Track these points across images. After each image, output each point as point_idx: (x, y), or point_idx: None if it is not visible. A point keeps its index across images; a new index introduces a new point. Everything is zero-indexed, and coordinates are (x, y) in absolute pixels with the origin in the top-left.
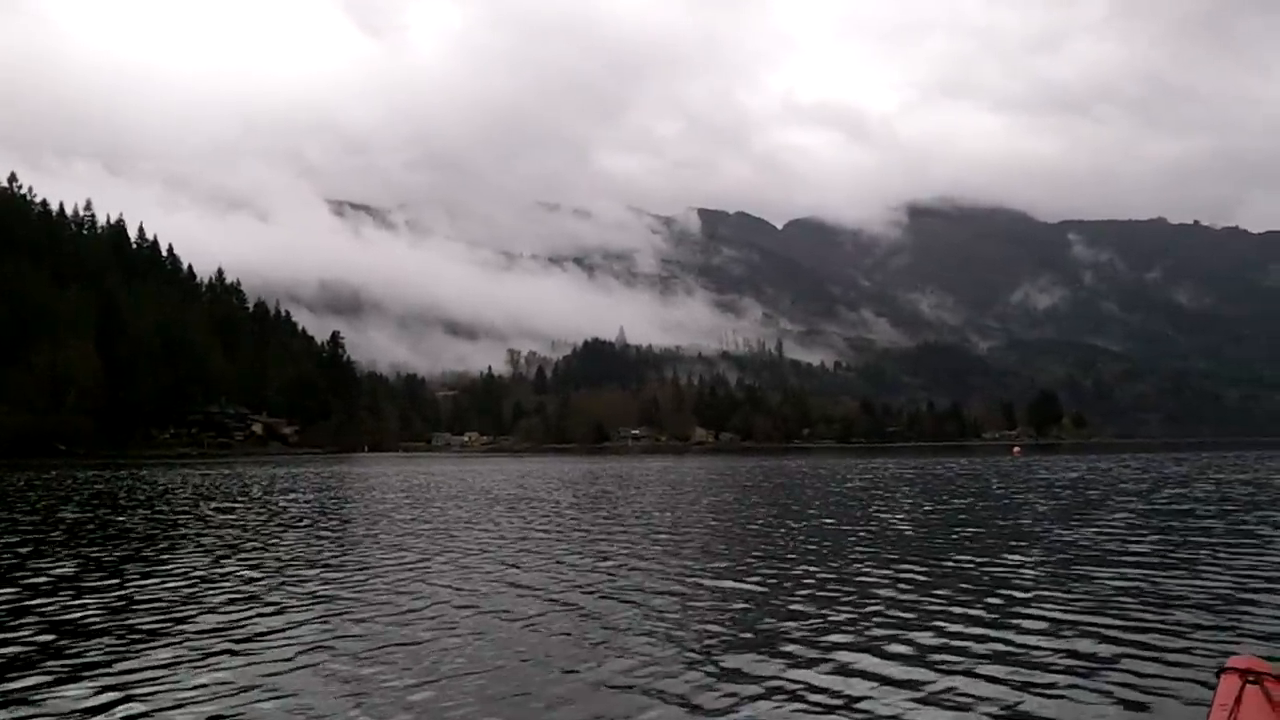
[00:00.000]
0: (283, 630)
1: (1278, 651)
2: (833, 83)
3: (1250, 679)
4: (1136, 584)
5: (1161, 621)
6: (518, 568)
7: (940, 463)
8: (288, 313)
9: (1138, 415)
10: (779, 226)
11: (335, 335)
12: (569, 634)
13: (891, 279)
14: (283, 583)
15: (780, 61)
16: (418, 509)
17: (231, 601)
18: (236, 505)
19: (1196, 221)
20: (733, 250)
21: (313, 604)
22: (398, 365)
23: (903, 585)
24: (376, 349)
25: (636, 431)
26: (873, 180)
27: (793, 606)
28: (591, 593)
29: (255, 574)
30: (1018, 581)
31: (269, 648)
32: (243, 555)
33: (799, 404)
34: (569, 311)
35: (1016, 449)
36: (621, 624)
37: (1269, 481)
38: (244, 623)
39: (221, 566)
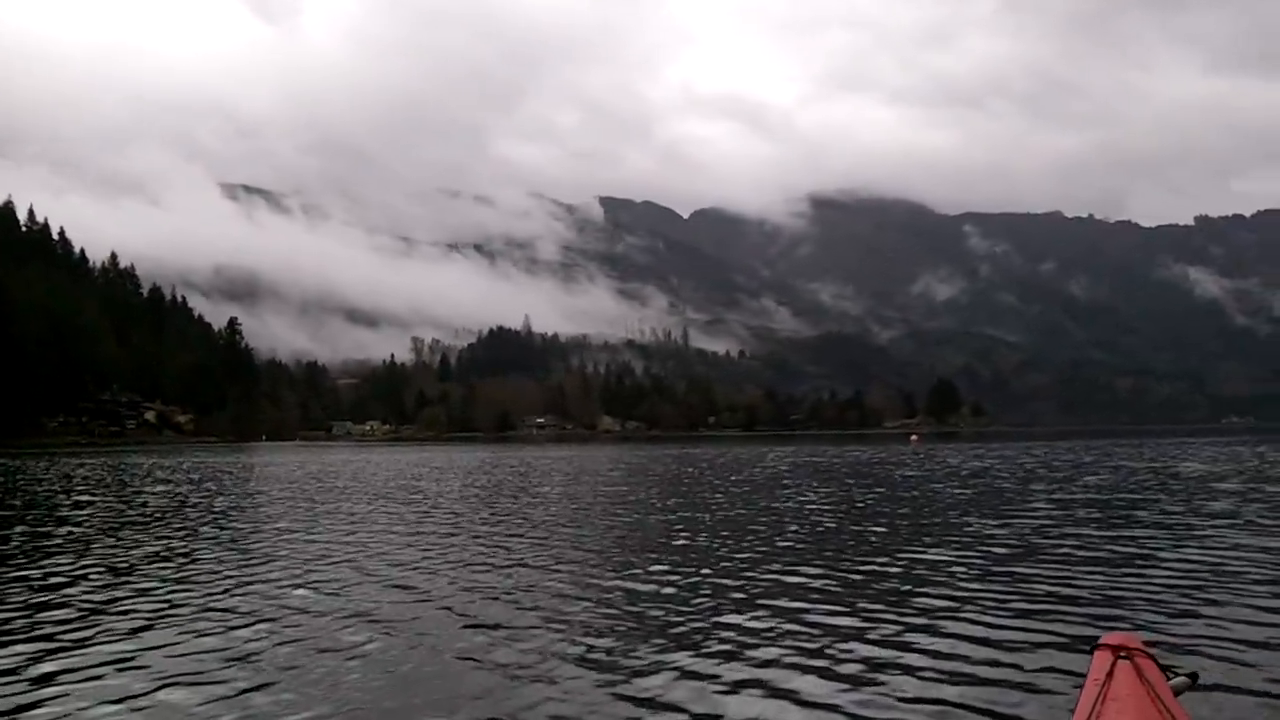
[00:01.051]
0: (69, 649)
1: (1151, 627)
2: (731, 74)
3: (1122, 654)
4: (1026, 568)
5: (1047, 602)
6: (393, 569)
7: (843, 451)
8: (184, 298)
9: (1033, 404)
10: (685, 216)
11: (233, 322)
12: (447, 647)
13: (795, 269)
14: (85, 591)
15: (678, 52)
16: (297, 502)
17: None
18: (95, 499)
19: (1091, 215)
20: (637, 239)
21: (119, 615)
22: (298, 353)
23: (800, 578)
24: (275, 336)
25: (542, 420)
26: (775, 171)
27: (699, 605)
28: (477, 596)
29: (61, 580)
30: (913, 565)
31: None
32: (59, 559)
33: (704, 392)
34: (471, 299)
35: (914, 437)
36: (508, 631)
37: (1175, 469)
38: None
39: (23, 572)
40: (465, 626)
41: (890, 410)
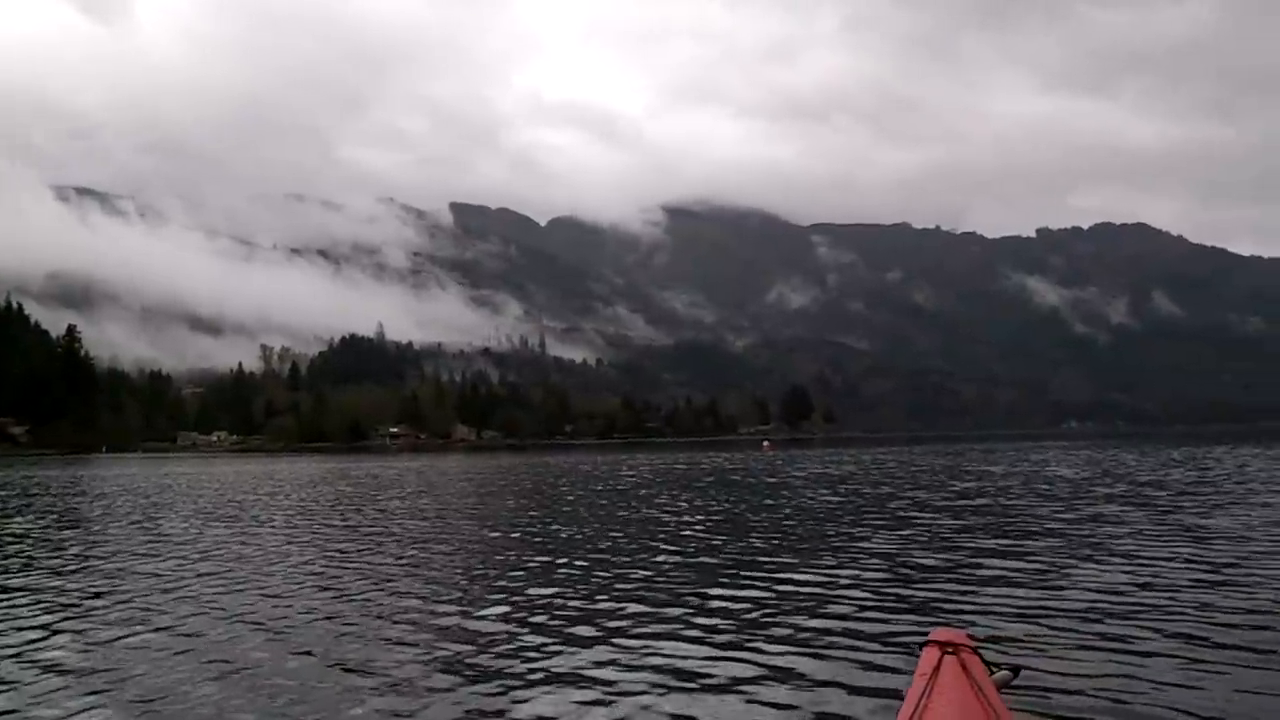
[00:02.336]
0: None
1: (981, 625)
2: (581, 83)
3: (949, 650)
4: (874, 570)
5: (883, 602)
6: (203, 604)
7: (708, 457)
8: (19, 305)
9: (882, 410)
10: (542, 224)
11: (71, 330)
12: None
13: (651, 277)
14: None
15: (527, 61)
16: (106, 522)
17: None
18: None
19: (938, 227)
20: (491, 246)
21: None
22: (141, 361)
23: (661, 595)
24: (115, 344)
25: (395, 430)
26: (629, 180)
27: (543, 639)
28: (275, 637)
29: None
30: (770, 570)
31: None
32: None
33: (561, 400)
34: (318, 306)
35: (767, 444)
36: (295, 684)
37: (1039, 473)
38: None
39: None
40: (249, 681)
41: (745, 417)
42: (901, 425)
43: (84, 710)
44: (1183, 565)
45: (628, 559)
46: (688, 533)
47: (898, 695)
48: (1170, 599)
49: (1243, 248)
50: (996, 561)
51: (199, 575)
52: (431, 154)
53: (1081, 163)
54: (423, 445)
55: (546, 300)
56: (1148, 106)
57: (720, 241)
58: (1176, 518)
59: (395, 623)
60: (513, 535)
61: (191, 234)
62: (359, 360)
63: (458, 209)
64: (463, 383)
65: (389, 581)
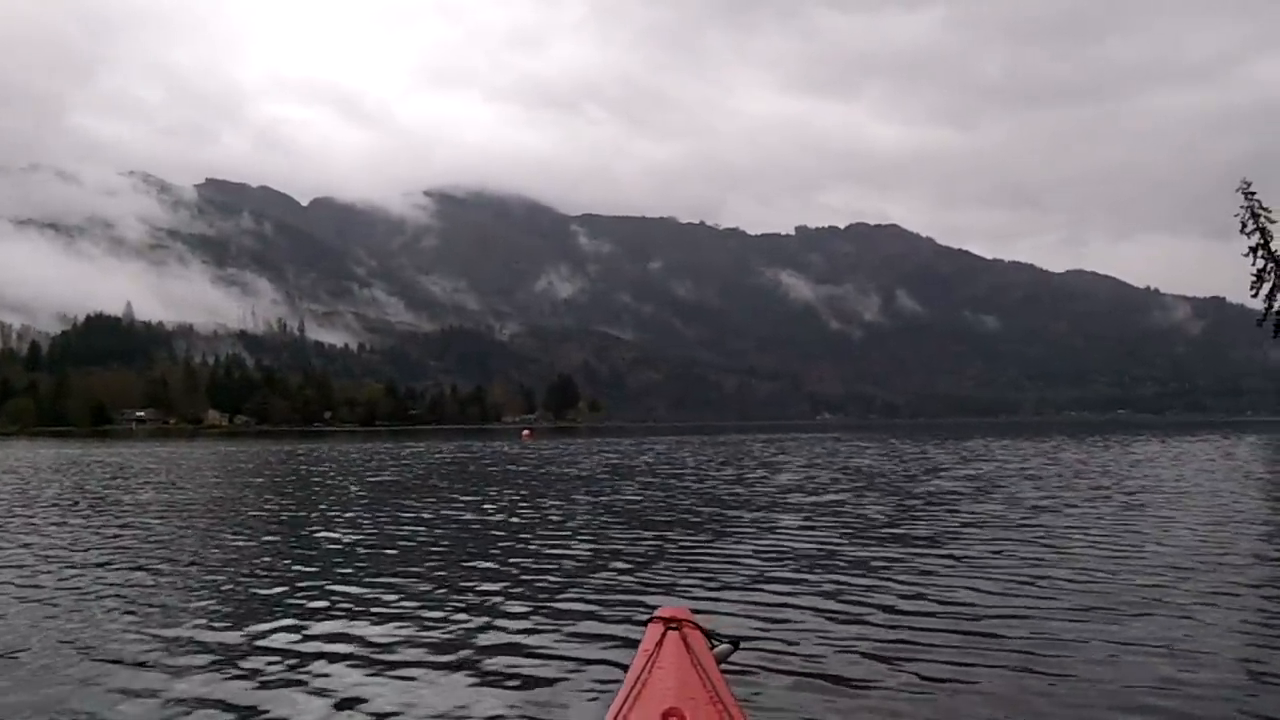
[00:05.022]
0: None
1: (708, 601)
2: (323, 61)
3: (672, 625)
4: (607, 555)
5: (619, 584)
6: None
7: (473, 446)
8: None
9: (648, 400)
10: (304, 204)
11: None
12: None
13: (417, 263)
14: None
15: (265, 34)
16: None
17: None
18: None
19: (703, 222)
20: (246, 224)
21: None
22: None
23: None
24: None
25: (142, 414)
26: (388, 162)
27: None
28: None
29: None
30: (523, 554)
31: None
32: None
33: (321, 386)
34: (54, 282)
35: (526, 432)
36: None
37: (846, 463)
38: None
39: None
40: None
41: (511, 405)
42: (666, 415)
43: None
44: (941, 551)
45: (382, 562)
46: (472, 527)
47: (619, 668)
48: (918, 584)
49: (985, 250)
50: (752, 544)
51: None
52: (171, 125)
53: (829, 163)
54: (171, 430)
55: (306, 283)
56: (887, 112)
57: (485, 228)
58: (953, 509)
59: (117, 657)
60: (269, 538)
61: None
62: (104, 340)
63: (212, 185)
64: (215, 365)
65: (116, 597)
